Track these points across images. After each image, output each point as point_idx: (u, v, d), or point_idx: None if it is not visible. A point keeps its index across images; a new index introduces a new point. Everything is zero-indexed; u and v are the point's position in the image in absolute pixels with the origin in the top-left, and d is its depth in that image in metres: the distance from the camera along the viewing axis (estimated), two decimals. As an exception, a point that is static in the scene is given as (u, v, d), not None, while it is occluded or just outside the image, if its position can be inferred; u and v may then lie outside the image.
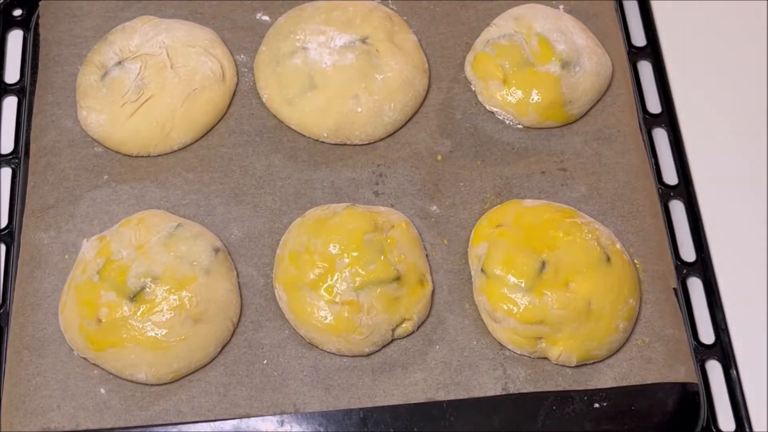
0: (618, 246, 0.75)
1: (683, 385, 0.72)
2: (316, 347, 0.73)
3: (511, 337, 0.72)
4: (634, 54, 0.90)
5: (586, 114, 0.83)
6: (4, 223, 0.80)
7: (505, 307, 0.72)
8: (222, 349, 0.73)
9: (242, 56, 0.85)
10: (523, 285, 0.72)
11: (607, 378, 0.72)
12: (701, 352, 0.77)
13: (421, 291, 0.74)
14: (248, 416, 0.70)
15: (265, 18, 0.87)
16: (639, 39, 0.91)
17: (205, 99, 0.80)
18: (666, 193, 0.83)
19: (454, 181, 0.80)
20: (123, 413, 0.70)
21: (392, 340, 0.73)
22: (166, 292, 0.71)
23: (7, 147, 0.84)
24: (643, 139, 0.83)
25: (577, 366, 0.72)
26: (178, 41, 0.82)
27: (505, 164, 0.81)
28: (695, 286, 0.80)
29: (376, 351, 0.73)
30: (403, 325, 0.73)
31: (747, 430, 0.74)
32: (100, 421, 0.70)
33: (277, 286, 0.74)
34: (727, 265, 0.81)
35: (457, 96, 0.84)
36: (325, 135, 0.80)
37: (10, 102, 0.86)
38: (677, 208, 0.83)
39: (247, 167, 0.80)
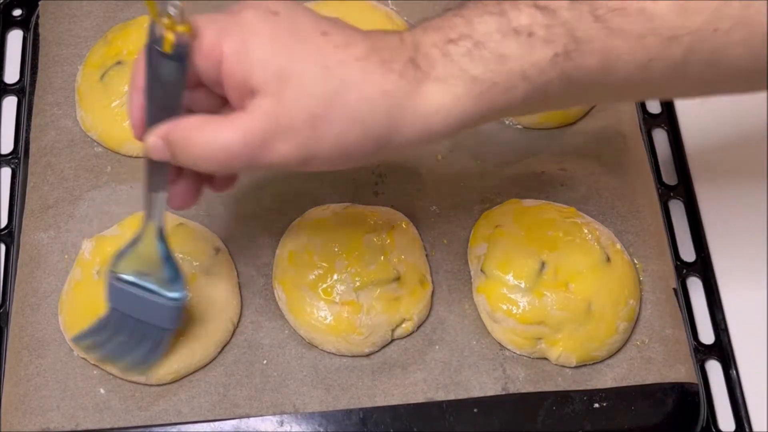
0: (618, 246, 0.75)
1: (683, 385, 0.72)
2: (316, 347, 0.73)
3: (510, 338, 0.72)
4: (634, 54, 0.90)
5: (586, 114, 0.83)
6: (4, 223, 0.80)
7: (505, 308, 0.72)
8: (222, 349, 0.73)
9: (242, 56, 0.85)
10: (522, 285, 0.72)
11: (606, 378, 0.72)
12: (701, 352, 0.77)
13: (421, 291, 0.74)
14: (248, 416, 0.70)
15: (265, 18, 0.86)
16: (639, 39, 0.91)
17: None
18: (666, 193, 0.83)
19: (453, 181, 0.80)
20: (122, 413, 0.70)
21: (392, 341, 0.73)
22: (166, 292, 0.72)
23: (7, 147, 0.84)
24: (643, 139, 0.83)
25: (576, 366, 0.72)
26: (177, 41, 0.82)
27: (505, 164, 0.81)
28: (695, 286, 0.80)
29: (376, 351, 0.73)
30: (403, 325, 0.73)
31: (747, 430, 0.74)
32: (100, 421, 0.70)
33: (277, 286, 0.74)
34: (727, 265, 0.80)
35: (457, 96, 0.84)
36: (325, 135, 0.80)
37: (10, 102, 0.86)
38: (677, 208, 0.83)
39: (246, 167, 0.80)
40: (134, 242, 0.66)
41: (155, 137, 0.57)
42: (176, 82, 0.56)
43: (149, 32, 0.55)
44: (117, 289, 0.66)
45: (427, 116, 0.54)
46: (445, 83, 0.53)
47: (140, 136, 0.59)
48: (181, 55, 0.55)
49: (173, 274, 0.66)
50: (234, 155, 0.54)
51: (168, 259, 0.66)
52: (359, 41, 0.54)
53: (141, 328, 0.67)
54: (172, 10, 0.53)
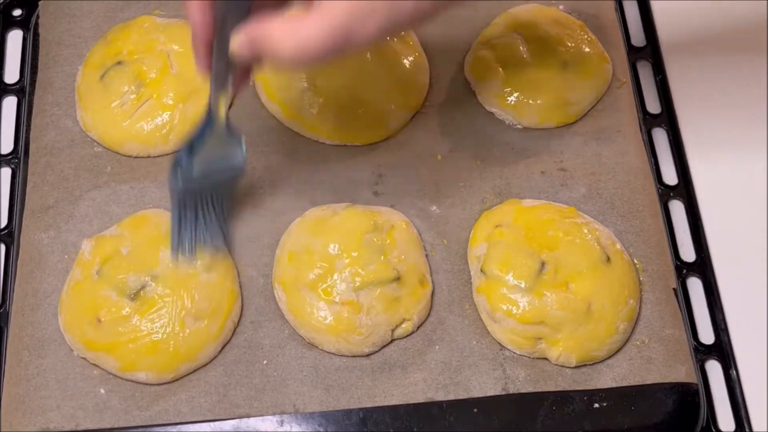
0: (618, 246, 0.75)
1: (683, 385, 0.72)
2: (316, 347, 0.73)
3: (510, 338, 0.72)
4: (634, 54, 0.90)
5: (586, 114, 0.83)
6: (4, 223, 0.80)
7: (505, 308, 0.72)
8: (222, 349, 0.73)
9: (242, 56, 0.85)
10: (522, 285, 0.72)
11: (606, 378, 0.72)
12: (701, 352, 0.77)
13: (421, 291, 0.74)
14: (248, 416, 0.70)
15: (265, 18, 0.86)
16: (639, 39, 0.91)
17: (204, 100, 0.80)
18: (666, 193, 0.83)
19: (453, 181, 0.80)
20: (122, 413, 0.70)
21: (392, 341, 0.73)
22: (166, 291, 0.72)
23: (7, 147, 0.84)
24: (643, 139, 0.83)
25: (576, 366, 0.72)
26: (177, 42, 0.82)
27: (505, 164, 0.81)
28: (695, 286, 0.80)
29: (376, 351, 0.73)
30: (403, 325, 0.73)
31: (747, 430, 0.74)
32: (100, 421, 0.70)
33: (277, 286, 0.74)
34: (727, 265, 0.80)
35: (457, 96, 0.84)
36: (325, 135, 0.80)
37: (10, 102, 0.86)
38: (677, 208, 0.83)
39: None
40: (200, 139, 0.69)
41: (244, 37, 0.58)
42: None
43: None
44: (186, 191, 0.71)
45: None
46: None
47: (206, 41, 0.61)
48: None
49: (236, 138, 0.70)
50: (325, 48, 0.56)
51: (231, 128, 0.70)
52: None
53: (208, 209, 0.72)
54: None
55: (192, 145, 0.70)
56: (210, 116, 0.69)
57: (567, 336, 0.72)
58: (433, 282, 0.75)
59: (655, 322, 0.75)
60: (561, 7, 0.87)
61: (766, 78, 0.90)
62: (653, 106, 0.88)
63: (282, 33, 0.57)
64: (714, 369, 0.77)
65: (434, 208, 0.79)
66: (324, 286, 0.72)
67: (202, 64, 0.65)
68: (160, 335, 0.71)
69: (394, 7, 0.56)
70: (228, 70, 0.64)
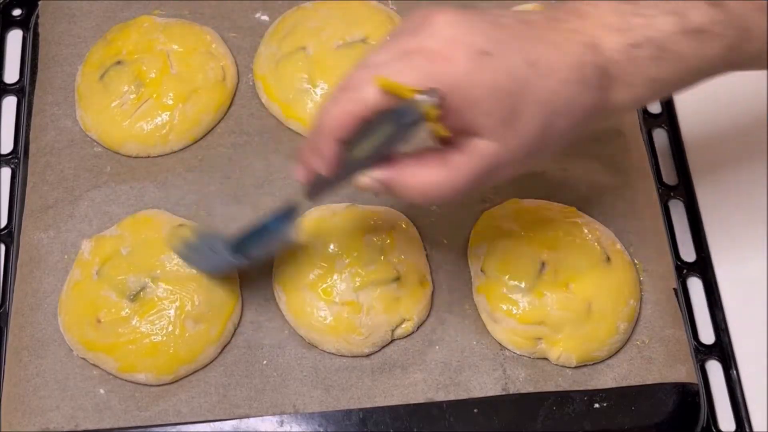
0: (618, 246, 0.75)
1: (683, 386, 0.72)
2: (316, 348, 0.73)
3: (510, 338, 0.72)
4: (634, 54, 0.90)
5: (586, 114, 0.83)
6: (4, 223, 0.80)
7: (505, 308, 0.72)
8: (222, 349, 0.73)
9: (242, 56, 0.85)
10: (522, 285, 0.72)
11: (607, 378, 0.72)
12: (701, 352, 0.77)
13: (421, 291, 0.74)
14: (248, 417, 0.70)
15: (265, 18, 0.87)
16: (639, 39, 0.91)
17: (204, 99, 0.80)
18: (666, 193, 0.83)
19: (453, 181, 0.80)
20: (122, 414, 0.70)
21: (392, 341, 0.73)
22: (166, 292, 0.71)
23: (7, 147, 0.84)
24: (643, 139, 0.83)
25: (577, 366, 0.72)
26: (177, 41, 0.82)
27: (505, 164, 0.80)
28: (695, 286, 0.80)
29: (376, 351, 0.73)
30: (403, 325, 0.73)
31: (747, 430, 0.74)
32: (99, 421, 0.70)
33: (277, 286, 0.74)
34: (727, 265, 0.80)
35: (457, 96, 0.83)
36: (325, 135, 0.80)
37: (10, 102, 0.86)
38: (677, 208, 0.83)
39: (246, 167, 0.80)
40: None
41: (372, 181, 0.58)
42: (396, 140, 0.56)
43: (400, 107, 0.54)
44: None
45: (613, 113, 0.59)
46: (631, 87, 0.57)
47: (330, 171, 0.59)
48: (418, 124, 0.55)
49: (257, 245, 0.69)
50: (452, 194, 0.57)
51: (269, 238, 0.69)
52: (562, 66, 0.55)
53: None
54: (435, 101, 0.53)
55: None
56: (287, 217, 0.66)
57: (567, 336, 0.71)
58: (433, 282, 0.75)
59: (655, 322, 0.74)
60: (561, 6, 0.87)
61: (767, 78, 0.89)
62: (653, 106, 0.87)
63: (413, 178, 0.57)
64: (714, 369, 0.76)
65: (434, 208, 0.78)
66: (324, 286, 0.72)
67: (319, 165, 0.59)
68: (159, 337, 0.70)
69: (532, 160, 0.58)
70: (332, 188, 0.61)
